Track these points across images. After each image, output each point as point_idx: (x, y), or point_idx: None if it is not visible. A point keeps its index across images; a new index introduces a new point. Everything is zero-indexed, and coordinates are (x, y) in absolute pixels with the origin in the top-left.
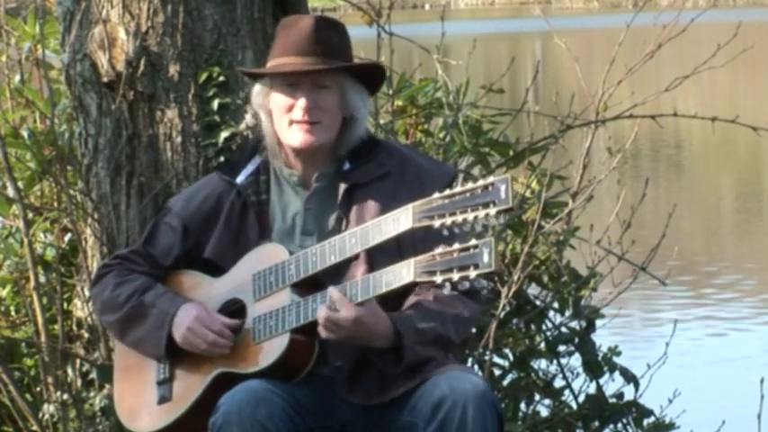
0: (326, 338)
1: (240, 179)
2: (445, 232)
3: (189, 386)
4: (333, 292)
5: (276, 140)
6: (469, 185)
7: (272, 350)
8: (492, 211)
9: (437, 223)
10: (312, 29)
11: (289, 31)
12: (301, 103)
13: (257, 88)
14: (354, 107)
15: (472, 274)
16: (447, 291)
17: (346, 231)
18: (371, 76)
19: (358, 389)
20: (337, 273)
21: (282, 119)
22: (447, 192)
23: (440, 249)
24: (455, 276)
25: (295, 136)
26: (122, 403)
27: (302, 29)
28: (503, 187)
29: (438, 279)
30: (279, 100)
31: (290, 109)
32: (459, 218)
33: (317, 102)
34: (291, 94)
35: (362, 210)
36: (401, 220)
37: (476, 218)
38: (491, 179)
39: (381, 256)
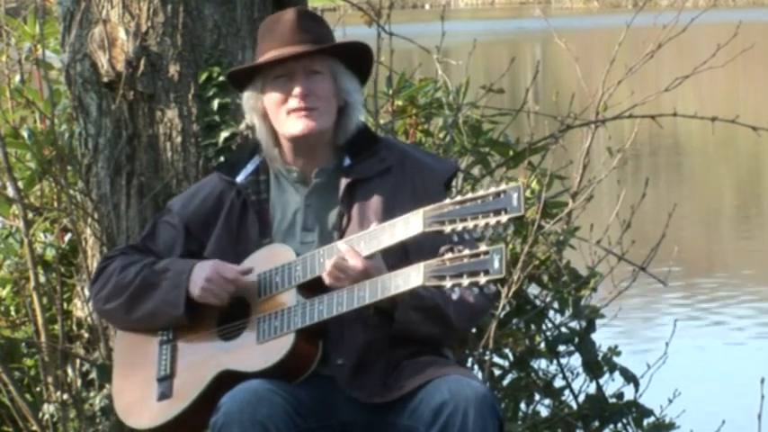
0: (331, 285)
1: (240, 179)
2: (455, 238)
3: (190, 383)
4: (340, 244)
5: (273, 142)
6: (481, 192)
7: (275, 350)
8: (503, 218)
9: (448, 229)
10: (296, 19)
11: (273, 27)
12: (296, 90)
13: (248, 93)
14: (347, 92)
15: (482, 280)
16: (456, 296)
17: (354, 233)
18: (360, 63)
19: (361, 385)
20: None
21: (279, 112)
22: (458, 198)
23: (450, 255)
24: (465, 282)
25: (294, 124)
26: (120, 400)
27: (286, 21)
28: (515, 195)
29: (447, 284)
30: (273, 95)
31: (286, 100)
32: (470, 224)
33: (311, 88)
34: (285, 86)
35: (365, 206)
36: (411, 224)
37: (487, 224)
38: (503, 186)
39: (386, 256)
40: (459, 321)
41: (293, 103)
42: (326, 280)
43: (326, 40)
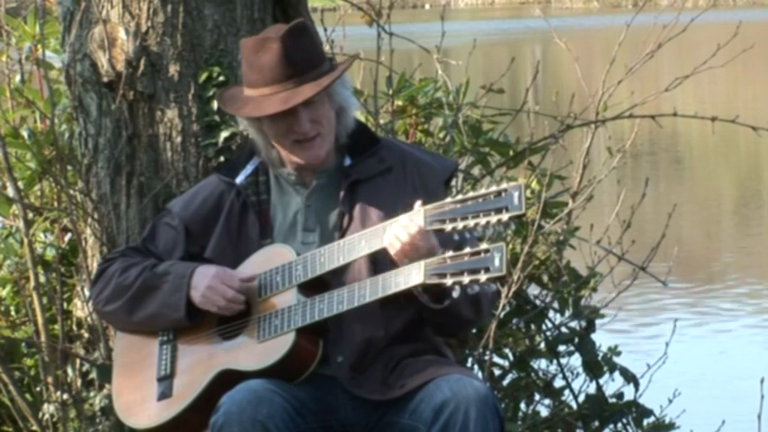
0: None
1: (239, 180)
2: (456, 236)
3: (190, 383)
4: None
5: (271, 145)
6: (482, 191)
7: (275, 349)
8: (504, 216)
9: (449, 227)
10: (283, 51)
11: (260, 57)
12: (300, 127)
13: None
14: (342, 99)
15: (483, 277)
16: (456, 294)
17: (355, 233)
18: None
19: (362, 382)
20: (342, 272)
21: (283, 141)
22: (459, 197)
23: (450, 253)
24: (465, 279)
25: (301, 155)
26: (120, 400)
27: (274, 53)
28: (516, 194)
29: (448, 282)
30: (273, 127)
31: (288, 131)
32: (471, 222)
33: (312, 117)
34: (285, 120)
35: (365, 206)
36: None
37: (488, 223)
38: (504, 185)
39: (385, 256)
40: (486, 311)
41: (298, 135)
42: (391, 251)
43: (318, 60)
